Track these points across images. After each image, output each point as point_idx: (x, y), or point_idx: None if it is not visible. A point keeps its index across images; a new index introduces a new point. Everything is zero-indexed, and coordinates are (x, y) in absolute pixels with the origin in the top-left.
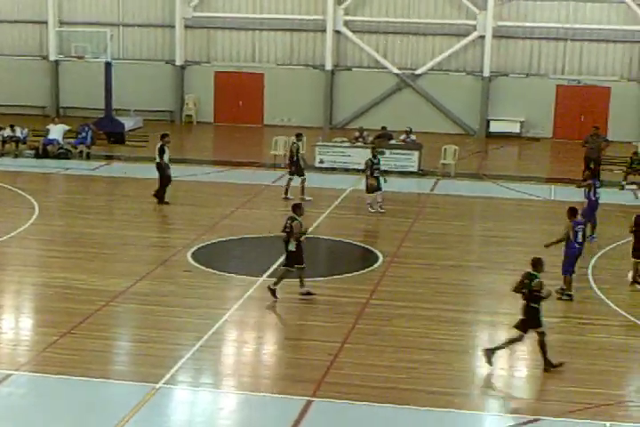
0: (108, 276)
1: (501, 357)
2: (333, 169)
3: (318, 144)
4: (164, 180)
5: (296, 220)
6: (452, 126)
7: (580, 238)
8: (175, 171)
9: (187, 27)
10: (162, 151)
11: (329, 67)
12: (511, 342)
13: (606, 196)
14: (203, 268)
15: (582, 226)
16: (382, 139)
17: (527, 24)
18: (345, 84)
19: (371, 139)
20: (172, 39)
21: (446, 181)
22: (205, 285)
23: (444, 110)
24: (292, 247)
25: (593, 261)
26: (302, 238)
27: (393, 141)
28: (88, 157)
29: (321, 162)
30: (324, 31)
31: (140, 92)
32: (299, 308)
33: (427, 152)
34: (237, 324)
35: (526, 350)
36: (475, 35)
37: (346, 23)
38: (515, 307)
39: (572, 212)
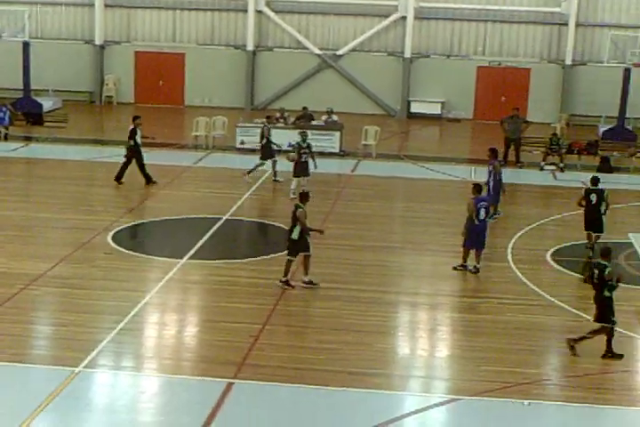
0: (27, 259)
1: (422, 337)
2: (254, 150)
3: (239, 125)
4: (139, 160)
5: (300, 208)
6: (373, 107)
7: (482, 215)
8: (95, 152)
9: (106, 6)
10: (134, 133)
11: (250, 47)
12: (594, 333)
13: (526, 176)
14: (123, 250)
15: (485, 203)
16: (303, 119)
17: (448, 5)
18: (266, 64)
19: (292, 119)
20: (92, 18)
21: (367, 162)
22: (126, 267)
23: (365, 91)
24: (294, 236)
25: (512, 242)
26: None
27: (314, 122)
28: (6, 138)
29: (242, 143)
30: (245, 11)
31: (58, 73)
32: (220, 290)
33: (348, 133)
34: (158, 306)
35: (446, 330)
36: (396, 15)
37: (268, 3)
38: (435, 287)
39: (477, 188)
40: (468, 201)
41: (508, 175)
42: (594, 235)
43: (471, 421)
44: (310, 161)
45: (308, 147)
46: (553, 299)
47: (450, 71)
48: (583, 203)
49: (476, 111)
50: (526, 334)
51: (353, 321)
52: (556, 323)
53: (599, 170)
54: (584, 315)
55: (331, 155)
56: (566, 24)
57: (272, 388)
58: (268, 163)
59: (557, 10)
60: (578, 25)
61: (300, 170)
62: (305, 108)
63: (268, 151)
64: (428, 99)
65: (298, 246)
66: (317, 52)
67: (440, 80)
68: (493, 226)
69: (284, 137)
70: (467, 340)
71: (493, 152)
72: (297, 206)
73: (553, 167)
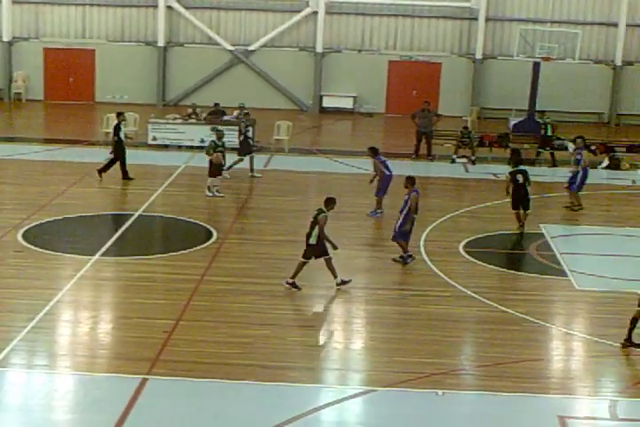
0: None
1: (337, 330)
2: (166, 146)
3: (151, 121)
4: (121, 156)
5: (323, 213)
6: (285, 102)
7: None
8: (4, 150)
9: (14, 2)
10: (118, 129)
11: (161, 43)
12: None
13: (438, 169)
14: (34, 248)
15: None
16: (215, 115)
17: (359, 0)
18: (178, 60)
19: (204, 115)
20: None
21: (280, 157)
22: (37, 265)
23: (277, 86)
24: (312, 240)
25: (425, 234)
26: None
27: (226, 118)
28: None
29: (154, 139)
30: (155, 7)
31: None
32: (133, 286)
33: (260, 128)
34: (70, 304)
35: (360, 322)
36: (308, 11)
37: None
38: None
39: (412, 181)
40: (411, 195)
41: (421, 168)
42: (522, 213)
43: (386, 411)
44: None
45: (223, 145)
46: (466, 290)
47: (361, 66)
48: (510, 189)
49: (388, 105)
50: (440, 325)
51: (267, 315)
52: (469, 313)
53: (510, 162)
54: (496, 305)
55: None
56: (476, 19)
57: (186, 383)
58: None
59: (467, 4)
60: (487, 19)
61: (217, 169)
62: (217, 104)
63: (245, 147)
64: (340, 93)
65: (315, 251)
66: (229, 47)
67: (352, 75)
68: None
69: (195, 133)
70: (381, 332)
71: (373, 150)
72: (320, 211)
73: (464, 160)
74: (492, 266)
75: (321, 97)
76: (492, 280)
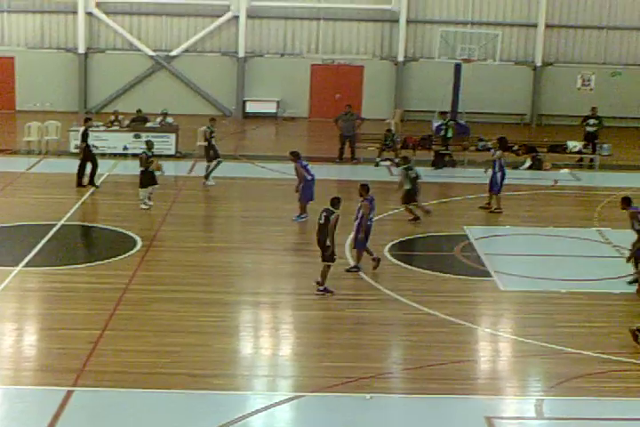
0: None
1: (264, 336)
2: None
3: (73, 129)
4: (94, 163)
5: (334, 213)
6: (208, 108)
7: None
8: None
9: None
10: (85, 135)
11: (82, 50)
12: None
13: (362, 172)
14: None
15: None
16: (138, 122)
17: (280, 4)
18: (99, 66)
19: (127, 122)
20: None
21: (204, 163)
22: None
23: (200, 92)
24: (328, 242)
25: (349, 238)
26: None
27: (149, 124)
28: None
29: (76, 147)
30: (75, 13)
31: None
32: (58, 297)
33: (184, 134)
34: None
35: (287, 328)
36: (229, 15)
37: (98, 5)
38: (275, 285)
39: (366, 188)
40: (362, 203)
41: (345, 172)
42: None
43: (315, 416)
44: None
45: (153, 155)
46: (391, 293)
47: (284, 70)
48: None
49: (312, 109)
50: (367, 329)
51: (194, 323)
52: (396, 316)
53: (434, 164)
54: (422, 307)
55: (167, 157)
56: (397, 21)
57: (113, 394)
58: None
59: (388, 7)
60: (408, 22)
61: (148, 179)
62: (139, 111)
63: (212, 153)
64: (263, 98)
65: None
66: (150, 53)
67: (275, 79)
68: None
69: (118, 140)
70: (308, 337)
71: (294, 154)
72: (329, 211)
73: (388, 163)
74: (416, 268)
75: (244, 102)
76: (418, 283)
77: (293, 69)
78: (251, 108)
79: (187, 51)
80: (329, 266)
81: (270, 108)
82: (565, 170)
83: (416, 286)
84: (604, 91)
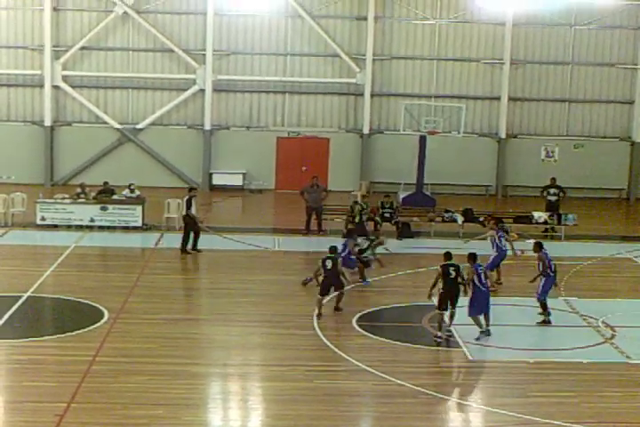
0: None
1: (232, 408)
2: (55, 226)
3: (39, 201)
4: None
5: (339, 258)
6: (175, 180)
7: (483, 279)
8: None
9: None
10: (189, 204)
11: (48, 122)
12: None
13: (329, 244)
14: None
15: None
16: (104, 194)
17: (246, 78)
18: (65, 139)
19: (93, 194)
20: None
21: (171, 235)
22: None
23: (166, 164)
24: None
25: (317, 309)
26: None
27: (115, 197)
28: None
29: (42, 219)
30: (41, 86)
31: None
32: (23, 369)
33: (151, 206)
34: None
35: (256, 400)
36: (195, 88)
37: (64, 78)
38: (244, 357)
39: (473, 257)
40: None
41: (313, 243)
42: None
43: None
44: None
45: None
46: (360, 364)
47: (250, 142)
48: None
49: (278, 181)
50: (335, 400)
51: (162, 395)
52: (364, 387)
53: (400, 235)
54: (391, 378)
55: (134, 229)
56: (362, 94)
57: None
58: None
59: (353, 80)
60: (373, 95)
61: None
62: (106, 183)
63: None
64: (229, 170)
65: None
66: (117, 126)
67: (241, 151)
68: (296, 294)
69: (85, 212)
70: (277, 409)
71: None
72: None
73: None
74: (385, 339)
75: (210, 174)
76: (386, 353)
77: (259, 142)
78: (217, 180)
79: (153, 124)
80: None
81: (236, 180)
82: (531, 240)
83: (385, 356)
84: (568, 162)
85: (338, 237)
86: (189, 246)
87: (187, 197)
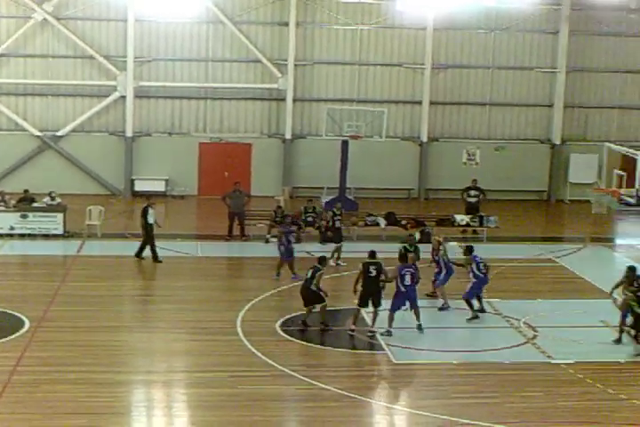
0: None
1: (156, 415)
2: None
3: None
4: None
5: (320, 270)
6: (97, 187)
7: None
8: None
9: None
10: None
11: None
12: None
13: (252, 249)
14: None
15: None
16: (25, 202)
17: (167, 84)
18: None
19: (13, 202)
20: None
21: (93, 242)
22: None
23: (88, 171)
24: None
25: (241, 315)
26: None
27: (36, 204)
28: None
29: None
30: None
31: None
32: None
33: (72, 214)
34: None
35: (181, 406)
36: (116, 95)
37: None
38: (167, 364)
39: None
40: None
41: (235, 249)
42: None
43: None
44: None
45: None
46: (284, 368)
47: (172, 148)
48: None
49: (201, 187)
50: (261, 406)
51: (86, 403)
52: (289, 392)
53: (322, 240)
54: (316, 382)
55: (55, 236)
56: (284, 99)
57: None
58: None
59: (275, 86)
60: (295, 100)
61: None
62: (26, 191)
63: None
64: (151, 176)
65: (318, 297)
66: (37, 133)
67: (163, 158)
68: (219, 300)
69: (4, 220)
70: (202, 415)
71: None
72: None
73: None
74: (309, 343)
75: (132, 181)
76: (311, 358)
77: (182, 148)
78: (139, 186)
79: (74, 131)
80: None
81: (159, 186)
82: (454, 243)
83: (309, 360)
84: (489, 165)
85: (260, 241)
86: (136, 252)
87: (144, 205)
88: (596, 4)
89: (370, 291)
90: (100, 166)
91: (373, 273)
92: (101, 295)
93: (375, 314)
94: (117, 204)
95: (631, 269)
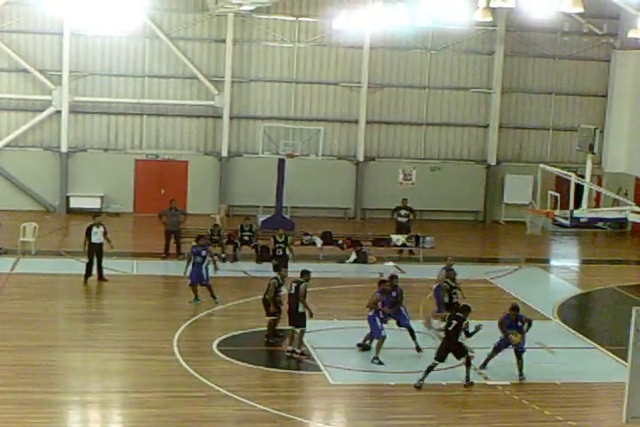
0: None
1: None
2: None
3: None
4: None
5: (303, 283)
6: (31, 203)
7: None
8: None
9: None
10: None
11: None
12: None
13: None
14: None
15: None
16: None
17: (103, 99)
18: None
19: None
20: None
21: (27, 260)
22: None
23: (22, 187)
24: (301, 309)
25: (177, 334)
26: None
27: None
28: None
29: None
30: None
31: None
32: None
33: (5, 230)
34: None
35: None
36: (51, 110)
37: None
38: (102, 384)
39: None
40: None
41: (172, 267)
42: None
43: None
44: None
45: None
46: (221, 389)
47: (108, 165)
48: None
49: (136, 204)
50: None
51: (19, 424)
52: (225, 413)
53: (258, 259)
54: (253, 403)
55: None
56: (221, 117)
57: None
58: None
59: (212, 103)
60: (232, 117)
61: None
62: None
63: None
64: (87, 193)
65: (301, 319)
66: None
67: (99, 174)
68: (156, 319)
69: None
70: None
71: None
72: (299, 282)
73: (215, 258)
74: (246, 364)
75: (67, 197)
76: (248, 378)
77: (117, 164)
78: (75, 203)
79: (8, 145)
80: (303, 331)
81: (94, 203)
82: (390, 263)
83: (246, 381)
84: (425, 185)
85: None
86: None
87: (90, 224)
88: (530, 27)
89: (289, 308)
90: (34, 182)
91: (292, 291)
92: (36, 314)
93: (300, 333)
94: (52, 220)
95: (514, 308)
